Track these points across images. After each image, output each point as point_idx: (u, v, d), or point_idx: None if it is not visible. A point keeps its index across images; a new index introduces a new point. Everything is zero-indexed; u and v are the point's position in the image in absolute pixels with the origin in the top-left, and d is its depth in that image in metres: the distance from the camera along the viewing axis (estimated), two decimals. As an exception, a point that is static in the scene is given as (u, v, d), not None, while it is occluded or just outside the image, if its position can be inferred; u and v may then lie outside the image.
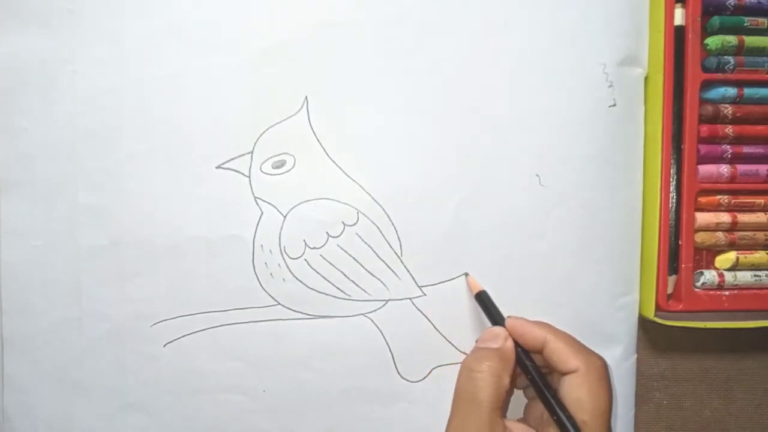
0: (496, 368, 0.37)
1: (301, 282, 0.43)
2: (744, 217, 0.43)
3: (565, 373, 0.37)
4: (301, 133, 0.42)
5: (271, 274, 0.43)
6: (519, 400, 0.40)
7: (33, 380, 0.44)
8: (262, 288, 0.43)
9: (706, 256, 0.44)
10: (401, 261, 0.43)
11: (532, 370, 0.38)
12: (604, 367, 0.37)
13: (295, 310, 0.43)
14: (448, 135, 0.43)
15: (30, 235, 0.43)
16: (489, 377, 0.36)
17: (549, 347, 0.37)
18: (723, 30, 0.42)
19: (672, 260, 0.42)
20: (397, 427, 0.44)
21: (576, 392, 0.36)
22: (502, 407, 0.37)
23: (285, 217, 0.42)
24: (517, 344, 0.39)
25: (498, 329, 0.39)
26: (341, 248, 0.42)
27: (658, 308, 0.42)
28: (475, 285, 0.42)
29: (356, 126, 0.42)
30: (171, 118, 0.42)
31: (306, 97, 0.42)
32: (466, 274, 0.43)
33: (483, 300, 0.41)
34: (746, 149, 0.43)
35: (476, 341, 0.40)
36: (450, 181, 0.43)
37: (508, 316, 0.40)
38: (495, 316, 0.41)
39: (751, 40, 0.42)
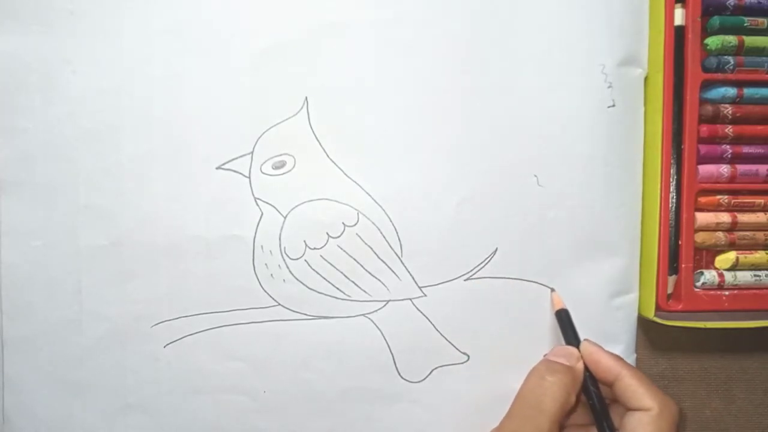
0: (567, 383, 0.37)
1: (301, 283, 0.43)
2: (744, 217, 0.43)
3: (634, 410, 0.36)
4: (301, 134, 0.42)
5: (271, 274, 0.43)
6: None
7: (33, 381, 0.44)
8: (262, 288, 0.43)
9: (706, 256, 0.44)
10: (401, 261, 0.43)
11: (594, 396, 0.38)
12: (679, 413, 0.37)
13: (295, 311, 0.43)
14: (448, 135, 0.43)
15: (30, 235, 0.43)
16: (559, 389, 0.36)
17: (624, 382, 0.37)
18: (723, 30, 0.42)
19: (672, 260, 0.42)
20: (398, 428, 0.44)
21: (643, 430, 0.36)
22: (561, 423, 0.37)
23: (285, 217, 0.42)
24: (586, 369, 0.39)
25: (572, 349, 0.40)
26: (341, 249, 0.42)
27: (657, 308, 0.42)
28: (558, 302, 0.42)
29: (356, 126, 0.42)
30: (171, 118, 0.42)
31: (306, 97, 0.42)
32: (552, 290, 0.43)
33: (562, 318, 0.42)
34: (746, 149, 0.43)
35: (545, 354, 0.41)
36: (450, 181, 0.43)
37: (585, 339, 0.40)
38: (570, 337, 0.41)
39: (751, 40, 0.42)
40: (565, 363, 0.39)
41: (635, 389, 0.37)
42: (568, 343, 0.41)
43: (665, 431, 0.36)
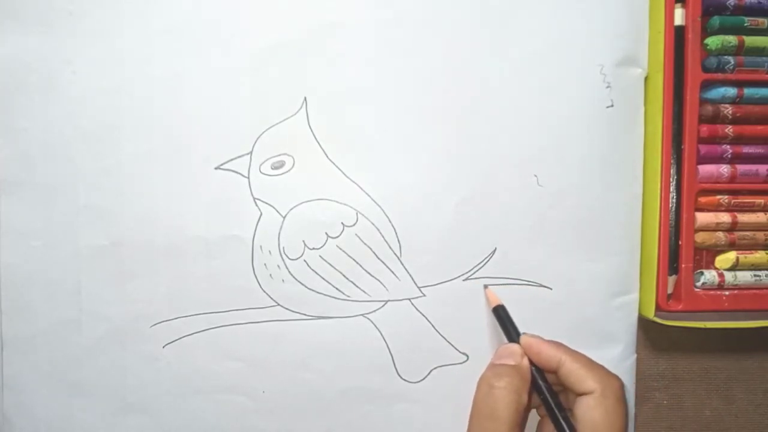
0: (516, 385, 0.37)
1: (300, 283, 0.43)
2: (744, 217, 0.43)
3: (580, 394, 0.36)
4: (300, 134, 0.42)
5: (270, 274, 0.43)
6: (533, 417, 0.41)
7: (32, 381, 0.44)
8: (262, 289, 0.43)
9: (706, 256, 0.44)
10: (400, 261, 0.43)
11: (545, 389, 0.38)
12: (621, 388, 0.37)
13: (294, 311, 0.43)
14: (447, 135, 0.43)
15: (30, 235, 0.43)
16: (509, 394, 0.36)
17: (565, 367, 0.37)
18: (723, 30, 0.42)
19: (672, 260, 0.42)
20: (397, 428, 0.44)
21: (591, 414, 0.36)
22: (520, 424, 0.37)
23: (284, 217, 0.42)
24: (531, 362, 0.39)
25: (514, 346, 0.39)
26: (340, 249, 0.42)
27: (658, 308, 0.42)
28: (494, 298, 0.42)
29: (355, 126, 0.42)
30: (171, 118, 0.42)
31: (305, 97, 0.42)
32: (485, 286, 0.43)
33: (500, 314, 0.41)
34: (746, 149, 0.43)
35: (493, 357, 0.40)
36: (449, 181, 0.43)
37: (524, 333, 0.40)
38: (511, 332, 0.40)
39: (751, 40, 0.42)
40: (511, 363, 0.38)
41: (577, 373, 0.37)
42: (510, 339, 0.40)
43: (611, 409, 0.36)
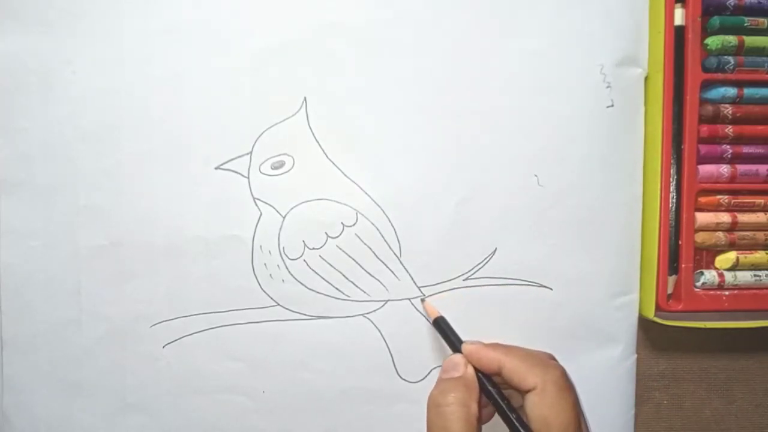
0: (463, 397, 0.36)
1: (300, 283, 0.43)
2: (744, 217, 0.43)
3: (525, 392, 0.36)
4: (300, 134, 0.42)
5: (270, 274, 0.43)
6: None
7: (32, 381, 0.44)
8: (261, 289, 0.43)
9: (706, 256, 0.44)
10: (400, 261, 0.43)
11: (494, 394, 0.38)
12: (563, 377, 0.37)
13: (294, 311, 0.43)
14: (447, 135, 0.43)
15: (29, 235, 0.43)
16: (457, 409, 0.36)
17: (506, 368, 0.37)
18: (723, 30, 0.42)
19: (672, 260, 0.42)
20: (397, 428, 0.44)
21: (538, 410, 0.35)
22: (478, 429, 0.36)
23: (284, 217, 0.42)
24: (476, 369, 0.38)
25: (457, 357, 0.39)
26: (340, 249, 0.42)
27: (658, 308, 0.42)
28: (432, 311, 0.42)
29: (355, 126, 0.42)
30: (170, 118, 0.42)
31: (305, 97, 0.42)
32: (422, 300, 0.42)
33: (441, 326, 0.41)
34: (746, 149, 0.43)
35: (440, 372, 0.40)
36: (449, 181, 0.43)
37: (464, 342, 0.40)
38: (454, 342, 0.40)
39: (751, 40, 0.42)
40: (456, 375, 0.38)
41: (516, 371, 0.37)
42: (454, 350, 0.40)
43: (555, 401, 0.35)
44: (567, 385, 0.37)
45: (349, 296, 0.43)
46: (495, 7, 0.42)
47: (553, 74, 0.42)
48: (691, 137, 0.42)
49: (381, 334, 0.43)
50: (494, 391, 0.38)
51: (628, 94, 0.43)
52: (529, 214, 0.43)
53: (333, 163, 0.42)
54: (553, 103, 0.42)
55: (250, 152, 0.42)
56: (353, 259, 0.42)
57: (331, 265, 0.42)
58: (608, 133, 0.43)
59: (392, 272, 0.43)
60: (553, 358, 0.40)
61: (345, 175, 0.42)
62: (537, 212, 0.43)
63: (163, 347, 0.43)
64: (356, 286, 0.43)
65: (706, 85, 0.42)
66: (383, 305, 0.43)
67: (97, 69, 0.42)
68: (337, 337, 0.43)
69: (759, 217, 0.43)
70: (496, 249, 0.43)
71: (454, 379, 0.38)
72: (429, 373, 0.43)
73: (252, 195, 0.42)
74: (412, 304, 0.43)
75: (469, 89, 0.42)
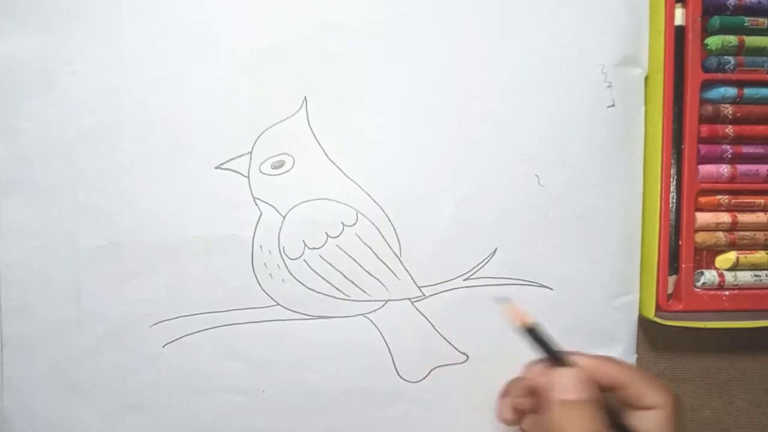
0: (596, 423, 0.32)
1: (300, 282, 0.43)
2: (744, 217, 0.43)
3: (640, 408, 0.34)
4: (300, 134, 0.42)
5: (270, 274, 0.43)
6: None
7: (32, 381, 0.44)
8: (261, 288, 0.43)
9: (706, 256, 0.44)
10: (400, 261, 0.43)
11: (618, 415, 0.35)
12: (680, 400, 0.36)
13: (294, 311, 0.43)
14: (448, 135, 0.42)
15: (29, 235, 0.43)
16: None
17: (631, 385, 0.35)
18: (723, 30, 0.42)
19: (672, 260, 0.42)
20: (397, 428, 0.44)
21: (662, 429, 0.34)
22: None
23: (284, 217, 0.42)
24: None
25: (576, 372, 0.34)
26: (340, 249, 0.42)
27: (658, 308, 0.42)
28: (520, 316, 0.36)
29: (355, 126, 0.42)
30: (170, 118, 0.42)
31: (305, 97, 0.42)
32: (503, 300, 0.37)
33: (536, 334, 0.35)
34: (746, 149, 0.43)
35: (549, 388, 0.34)
36: (449, 181, 0.43)
37: (575, 353, 0.35)
38: (555, 353, 0.35)
39: (751, 40, 0.42)
40: (584, 396, 0.33)
41: (641, 388, 0.34)
42: (554, 362, 0.35)
43: (680, 422, 0.34)
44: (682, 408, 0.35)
45: (349, 296, 0.43)
46: (495, 7, 0.42)
47: (553, 74, 0.42)
48: (691, 137, 0.42)
49: (381, 334, 0.43)
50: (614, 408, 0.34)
51: (629, 94, 0.43)
52: (529, 214, 0.43)
53: (333, 163, 0.42)
54: (554, 103, 0.42)
55: (250, 152, 0.42)
56: (353, 259, 0.42)
57: (331, 264, 0.42)
58: (609, 133, 0.43)
59: (392, 272, 0.43)
60: None
61: (345, 174, 0.42)
62: (537, 212, 0.43)
63: (163, 347, 0.43)
64: (356, 285, 0.43)
65: (706, 85, 0.42)
66: (383, 305, 0.43)
67: (97, 69, 0.42)
68: (337, 337, 0.43)
69: (759, 217, 0.43)
70: (496, 249, 0.43)
71: (582, 401, 0.33)
72: (429, 373, 0.43)
73: (252, 195, 0.42)
74: (413, 304, 0.43)
75: (470, 89, 0.42)
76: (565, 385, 0.34)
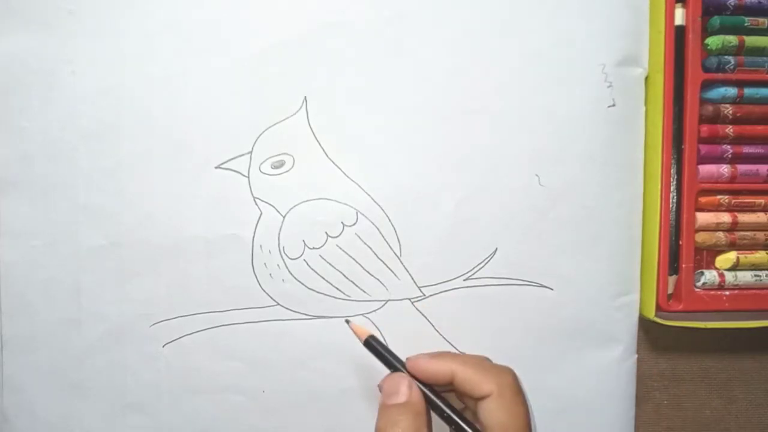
0: (413, 425, 0.34)
1: (300, 282, 0.43)
2: (744, 217, 0.43)
3: (479, 399, 0.35)
4: (300, 133, 0.42)
5: (270, 274, 0.43)
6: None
7: (32, 380, 0.44)
8: (261, 288, 0.43)
9: (706, 256, 0.44)
10: (400, 261, 0.43)
11: (448, 409, 0.35)
12: (516, 380, 0.36)
13: (294, 311, 0.43)
14: (448, 135, 0.42)
15: (29, 235, 0.43)
16: None
17: (459, 376, 0.35)
18: (723, 30, 0.42)
19: (672, 260, 0.42)
20: (397, 428, 0.44)
21: (495, 416, 0.34)
22: None
23: (284, 217, 0.42)
24: (422, 384, 0.36)
25: (398, 377, 0.36)
26: (340, 248, 0.42)
27: (658, 308, 0.42)
28: (361, 330, 0.38)
29: (355, 126, 0.42)
30: (170, 118, 0.42)
31: (305, 97, 0.42)
32: (347, 321, 0.39)
33: (373, 345, 0.37)
34: (746, 149, 0.43)
35: (380, 394, 0.36)
36: (449, 181, 0.43)
37: (407, 358, 0.37)
38: (391, 361, 0.37)
39: (751, 40, 0.42)
40: (401, 400, 0.35)
41: (471, 379, 0.35)
42: (392, 369, 0.37)
43: (512, 405, 0.34)
44: (521, 389, 0.35)
45: (349, 296, 0.43)
46: (495, 7, 0.42)
47: (554, 74, 0.42)
48: (692, 137, 0.42)
49: (381, 334, 0.43)
50: (445, 405, 0.35)
51: (629, 94, 0.43)
52: (529, 214, 0.43)
53: (333, 163, 0.42)
54: (555, 102, 0.42)
55: (250, 152, 0.42)
56: (353, 259, 0.42)
57: (331, 264, 0.42)
58: (610, 133, 0.43)
59: (392, 272, 0.43)
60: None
61: (345, 174, 0.42)
62: (537, 212, 0.43)
63: (163, 347, 0.43)
64: (356, 285, 0.43)
65: (707, 85, 0.42)
66: (383, 305, 0.43)
67: (97, 69, 0.42)
68: (337, 337, 0.43)
69: (759, 217, 0.43)
70: (496, 249, 0.43)
71: (399, 405, 0.35)
72: (429, 373, 0.43)
73: (252, 194, 0.42)
74: (413, 304, 0.43)
75: (470, 89, 0.42)
76: (386, 390, 0.36)
